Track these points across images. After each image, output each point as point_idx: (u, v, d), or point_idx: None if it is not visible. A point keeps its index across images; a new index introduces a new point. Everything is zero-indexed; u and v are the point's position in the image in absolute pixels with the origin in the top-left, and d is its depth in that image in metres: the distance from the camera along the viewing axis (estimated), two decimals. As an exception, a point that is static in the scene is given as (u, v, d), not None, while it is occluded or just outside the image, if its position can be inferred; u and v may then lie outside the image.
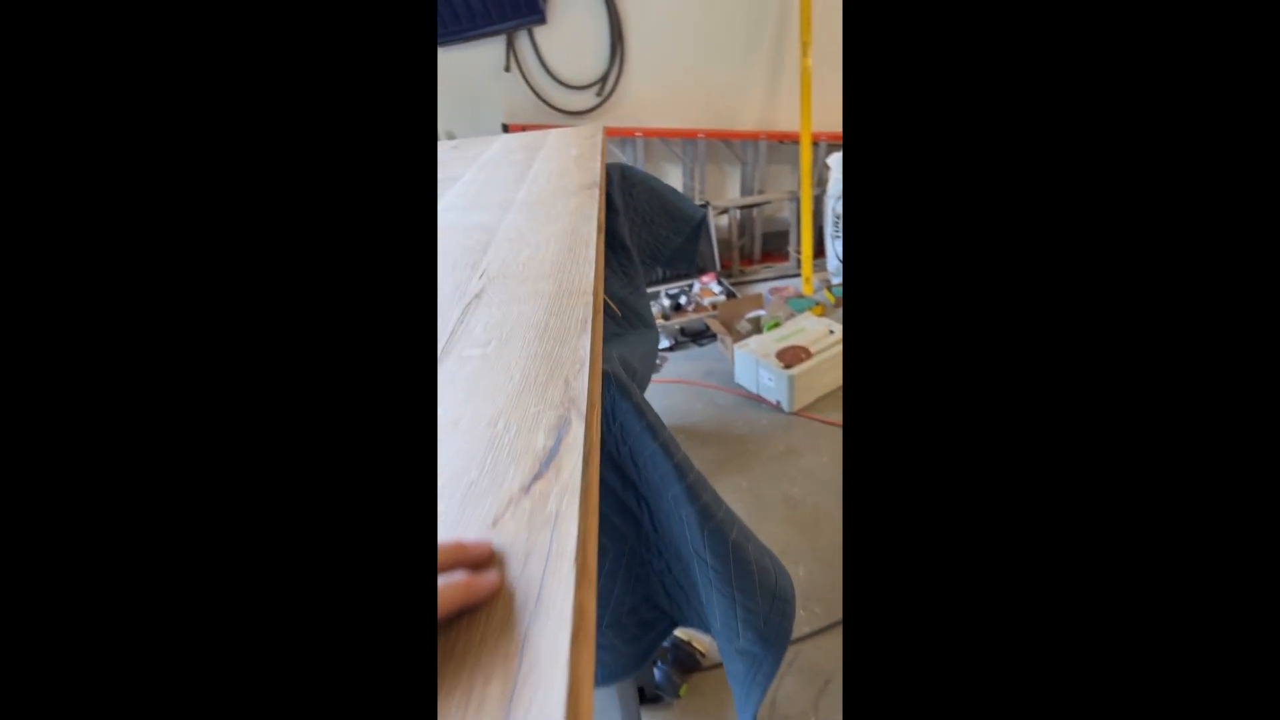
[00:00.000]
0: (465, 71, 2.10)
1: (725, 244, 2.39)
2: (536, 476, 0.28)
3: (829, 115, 2.25)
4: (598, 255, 0.57)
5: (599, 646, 0.51)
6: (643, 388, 0.60)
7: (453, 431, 0.33)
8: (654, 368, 0.62)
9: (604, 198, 0.81)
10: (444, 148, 1.25)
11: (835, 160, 2.10)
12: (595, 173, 0.89)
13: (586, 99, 2.19)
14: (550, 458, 0.29)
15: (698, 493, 0.42)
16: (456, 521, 0.26)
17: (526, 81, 2.13)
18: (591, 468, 0.30)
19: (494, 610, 0.22)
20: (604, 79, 2.16)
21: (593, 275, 0.51)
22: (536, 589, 0.22)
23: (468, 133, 2.01)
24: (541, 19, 2.04)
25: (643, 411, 0.42)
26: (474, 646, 0.20)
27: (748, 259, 2.48)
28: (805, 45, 2.06)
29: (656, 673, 0.91)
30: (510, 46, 2.08)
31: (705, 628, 0.54)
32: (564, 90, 2.17)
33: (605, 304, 0.69)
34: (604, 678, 0.51)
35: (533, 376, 0.37)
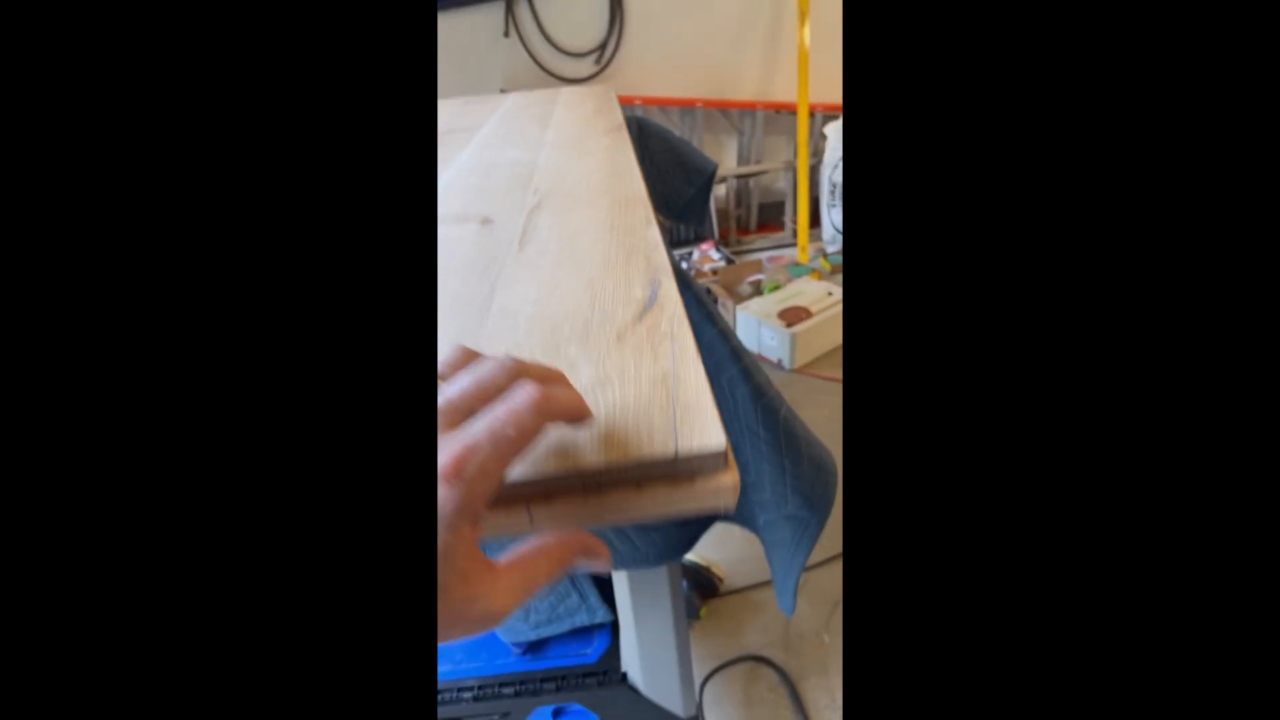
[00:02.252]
0: (462, 37, 2.10)
1: (723, 214, 2.43)
2: (644, 312, 0.32)
3: (824, 86, 2.29)
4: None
5: (650, 528, 0.56)
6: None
7: (553, 294, 0.37)
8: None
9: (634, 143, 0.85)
10: (456, 104, 1.27)
11: (832, 129, 2.14)
12: (618, 118, 0.92)
13: (585, 66, 2.20)
14: (651, 301, 0.34)
15: (752, 373, 0.47)
16: (585, 344, 0.30)
17: (525, 48, 2.14)
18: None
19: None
20: (603, 46, 2.17)
21: (644, 190, 0.55)
22: (672, 371, 0.27)
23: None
24: (542, -16, 2.04)
25: (703, 301, 0.46)
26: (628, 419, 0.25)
27: (744, 229, 2.52)
28: (803, 15, 2.09)
29: (678, 596, 0.97)
30: (509, 11, 2.08)
31: (745, 523, 0.59)
32: (563, 57, 2.18)
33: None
34: (655, 558, 0.56)
35: (613, 257, 0.41)
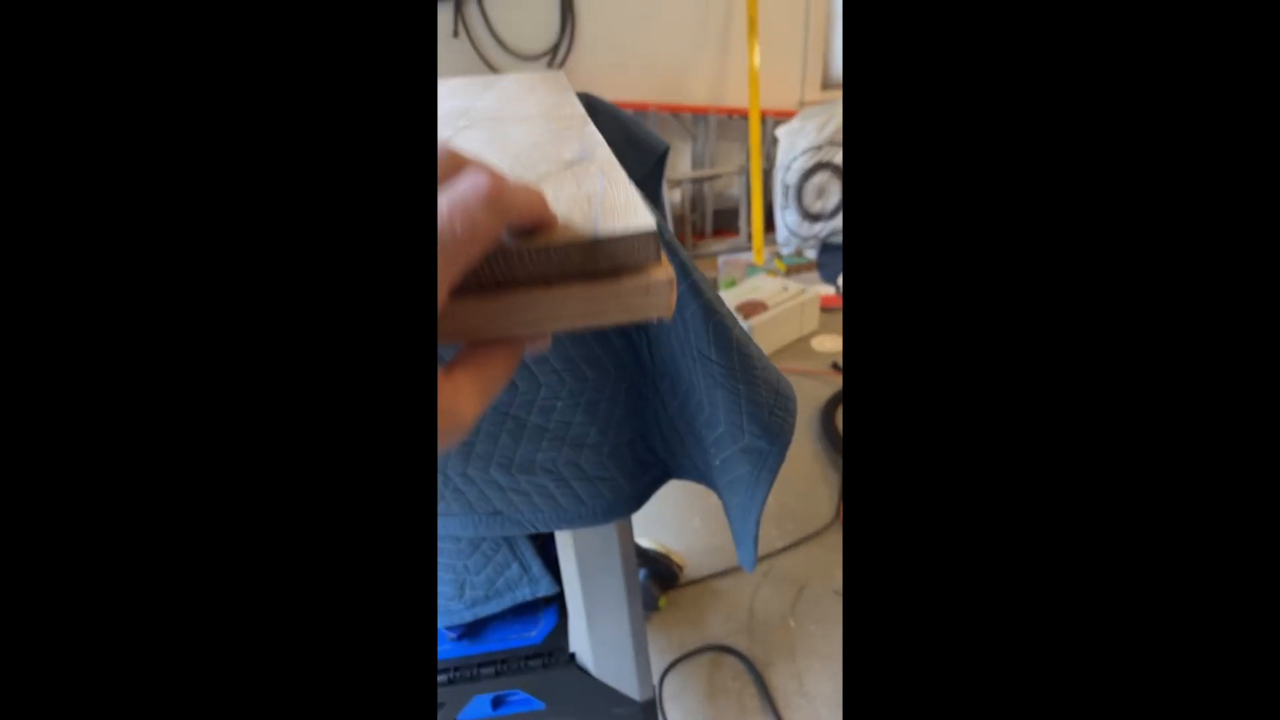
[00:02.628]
0: (412, 36, 2.05)
1: (679, 219, 2.43)
2: (573, 163, 0.28)
3: (775, 93, 2.33)
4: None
5: (598, 478, 0.50)
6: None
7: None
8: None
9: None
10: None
11: (783, 132, 2.17)
12: (564, 83, 0.89)
13: (537, 69, 2.18)
14: (582, 155, 0.29)
15: (702, 289, 0.43)
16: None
17: (475, 49, 2.10)
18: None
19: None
20: (554, 49, 2.16)
21: (584, 114, 0.51)
22: (598, 192, 0.22)
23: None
24: (491, -16, 2.03)
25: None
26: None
27: (699, 234, 2.52)
28: (752, 27, 2.12)
29: (635, 586, 0.91)
30: (458, 11, 2.05)
31: (698, 477, 0.54)
32: (514, 60, 2.16)
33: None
34: (603, 514, 0.50)
35: (543, 140, 0.37)
